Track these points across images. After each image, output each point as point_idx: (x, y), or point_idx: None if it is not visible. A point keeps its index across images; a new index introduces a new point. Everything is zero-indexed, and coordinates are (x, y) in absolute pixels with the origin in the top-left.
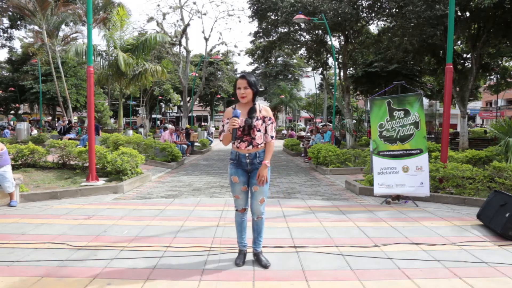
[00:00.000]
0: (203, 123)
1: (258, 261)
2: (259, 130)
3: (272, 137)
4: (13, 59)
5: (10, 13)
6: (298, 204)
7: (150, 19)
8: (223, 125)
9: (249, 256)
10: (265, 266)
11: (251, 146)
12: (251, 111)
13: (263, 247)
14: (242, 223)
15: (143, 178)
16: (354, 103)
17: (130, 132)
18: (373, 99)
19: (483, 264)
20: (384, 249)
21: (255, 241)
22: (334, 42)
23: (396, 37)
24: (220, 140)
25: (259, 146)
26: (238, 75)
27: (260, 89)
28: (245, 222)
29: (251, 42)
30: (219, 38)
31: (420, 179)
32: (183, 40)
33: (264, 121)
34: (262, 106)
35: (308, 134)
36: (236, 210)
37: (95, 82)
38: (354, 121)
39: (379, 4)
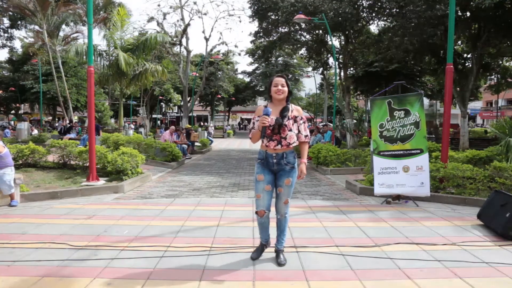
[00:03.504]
0: (203, 123)
1: (277, 257)
2: (290, 130)
3: (306, 136)
4: (14, 59)
5: (10, 13)
6: (299, 204)
7: (151, 19)
8: (253, 123)
9: (249, 256)
10: (279, 264)
11: (280, 146)
12: (284, 110)
13: None
14: (263, 224)
15: (143, 178)
16: (355, 103)
17: (131, 132)
18: (373, 99)
19: (484, 264)
20: (384, 249)
21: (278, 239)
22: (335, 42)
23: (396, 37)
24: (249, 138)
25: (290, 146)
26: (276, 74)
27: (261, 89)
28: (266, 223)
29: (251, 42)
30: (220, 38)
31: (421, 179)
32: (184, 40)
33: (295, 121)
34: (294, 106)
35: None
36: (256, 212)
37: (95, 82)
38: (355, 121)
39: (379, 4)
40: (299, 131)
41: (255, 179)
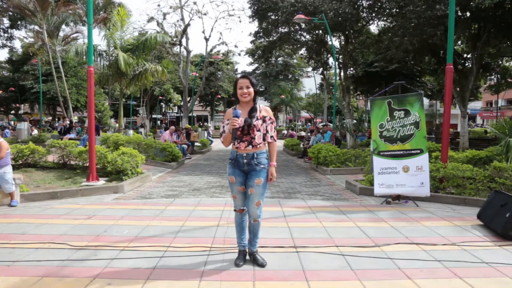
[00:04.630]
0: (204, 123)
1: (255, 260)
2: (258, 130)
3: (272, 137)
4: (14, 59)
5: (10, 13)
6: (299, 204)
7: (151, 19)
8: (223, 126)
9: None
10: (261, 265)
11: (250, 146)
12: (252, 111)
13: (262, 246)
14: (241, 223)
15: (143, 178)
16: (355, 103)
17: (131, 132)
18: (373, 99)
19: (484, 264)
20: (384, 249)
21: (250, 242)
22: (335, 42)
23: (396, 37)
24: (222, 142)
25: (258, 146)
26: (239, 75)
27: (261, 89)
28: (244, 222)
29: (251, 42)
30: (220, 38)
31: (421, 179)
32: (184, 40)
33: (264, 121)
34: (263, 106)
35: (308, 134)
36: (235, 210)
37: (95, 82)
38: (355, 121)
39: (379, 4)
40: (266, 131)
41: (228, 181)
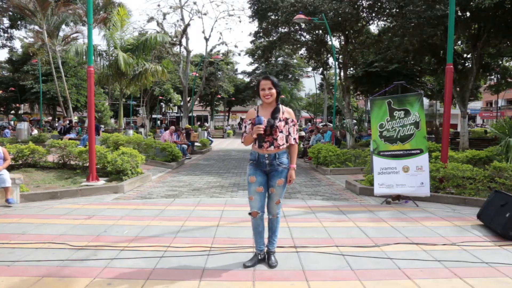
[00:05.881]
0: (204, 123)
1: (268, 259)
2: (281, 131)
3: (295, 139)
4: (14, 59)
5: (10, 13)
6: (299, 204)
7: (151, 19)
8: (245, 126)
9: (249, 256)
10: (270, 266)
11: (272, 147)
12: (275, 112)
13: None
14: (257, 227)
15: (143, 178)
16: (355, 103)
17: (131, 132)
18: (373, 99)
19: (484, 264)
20: (384, 249)
21: (269, 240)
22: (335, 42)
23: (396, 37)
24: (242, 142)
25: (280, 147)
26: (261, 77)
27: None
28: (260, 227)
29: (251, 42)
30: (219, 38)
31: (421, 179)
32: (184, 40)
33: (286, 123)
34: (285, 108)
35: (308, 134)
36: (249, 213)
37: (95, 82)
38: (354, 121)
39: (379, 4)
40: (289, 133)
41: (247, 181)
